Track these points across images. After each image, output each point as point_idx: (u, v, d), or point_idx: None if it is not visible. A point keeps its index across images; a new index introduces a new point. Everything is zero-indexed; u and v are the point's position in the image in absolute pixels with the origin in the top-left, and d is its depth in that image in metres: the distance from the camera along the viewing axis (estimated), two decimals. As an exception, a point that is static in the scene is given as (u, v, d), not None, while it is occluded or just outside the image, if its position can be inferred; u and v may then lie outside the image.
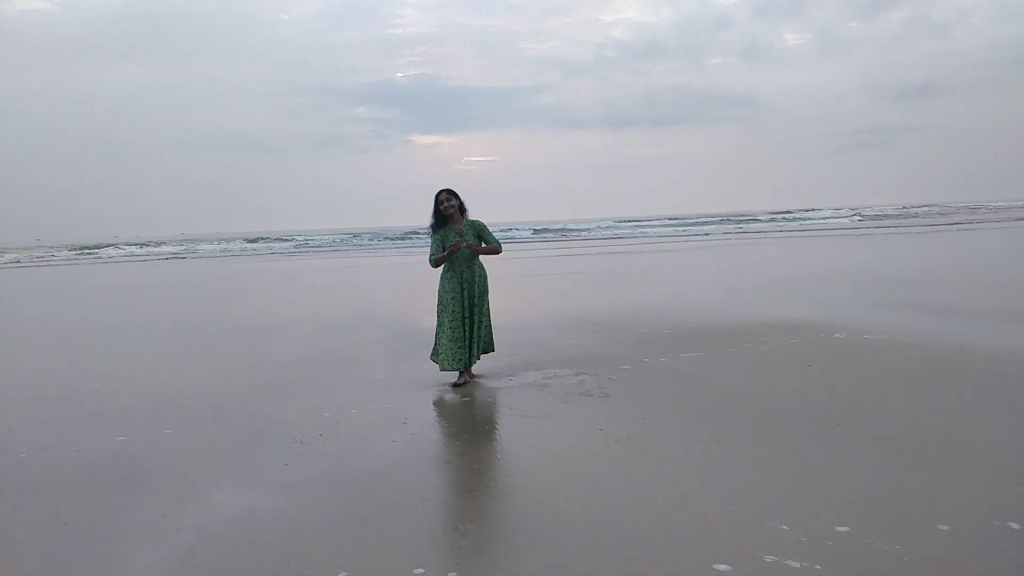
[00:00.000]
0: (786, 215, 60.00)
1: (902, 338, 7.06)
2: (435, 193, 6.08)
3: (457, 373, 6.14)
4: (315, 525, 3.37)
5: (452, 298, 6.02)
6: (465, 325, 6.03)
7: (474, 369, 6.32)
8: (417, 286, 15.14)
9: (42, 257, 38.45)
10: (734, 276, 15.08)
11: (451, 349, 5.96)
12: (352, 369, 6.87)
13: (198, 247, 45.61)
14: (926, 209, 62.03)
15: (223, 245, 46.83)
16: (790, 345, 6.99)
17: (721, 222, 54.14)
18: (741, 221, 54.28)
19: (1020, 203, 67.43)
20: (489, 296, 6.25)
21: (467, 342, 6.04)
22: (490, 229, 6.21)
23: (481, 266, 6.20)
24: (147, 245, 47.68)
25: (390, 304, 12.56)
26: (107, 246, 47.19)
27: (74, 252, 41.27)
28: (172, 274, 24.38)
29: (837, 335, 7.35)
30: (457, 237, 5.99)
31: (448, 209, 6.03)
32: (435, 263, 6.09)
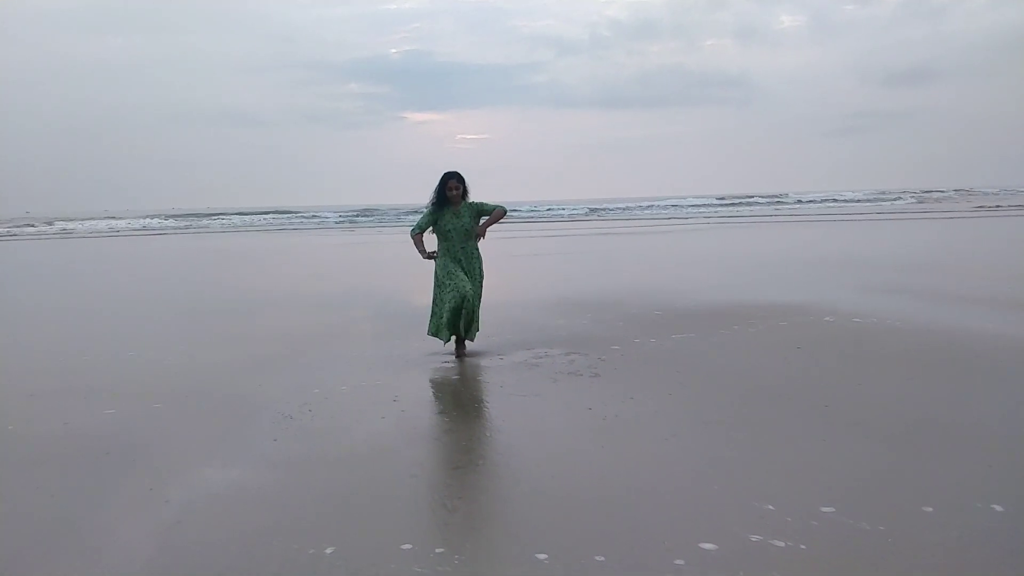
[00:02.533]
0: (782, 199, 59.96)
1: (890, 322, 7.09)
2: (443, 174, 6.16)
3: (454, 344, 6.29)
4: (303, 501, 3.37)
5: (450, 279, 6.07)
6: (459, 300, 6.00)
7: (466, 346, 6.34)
8: (407, 265, 15.08)
9: (32, 229, 38.11)
10: (725, 258, 15.10)
11: (451, 319, 6.03)
12: (342, 346, 6.86)
13: (187, 222, 45.25)
14: (918, 195, 62.04)
15: (213, 220, 46.52)
16: (779, 328, 7.02)
17: (718, 204, 53.93)
18: (738, 203, 54.18)
19: (1014, 189, 67.57)
20: (483, 281, 6.34)
21: (459, 317, 6.06)
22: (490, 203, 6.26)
23: (476, 248, 6.26)
24: (136, 219, 47.27)
25: (380, 282, 12.52)
26: (94, 219, 46.81)
27: (61, 225, 40.88)
28: (161, 249, 24.23)
29: (827, 318, 7.38)
30: (453, 219, 6.12)
31: (455, 198, 6.12)
32: (413, 239, 6.20)
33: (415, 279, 12.25)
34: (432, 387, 5.40)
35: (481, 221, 6.23)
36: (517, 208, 49.90)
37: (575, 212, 48.42)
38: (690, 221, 34.40)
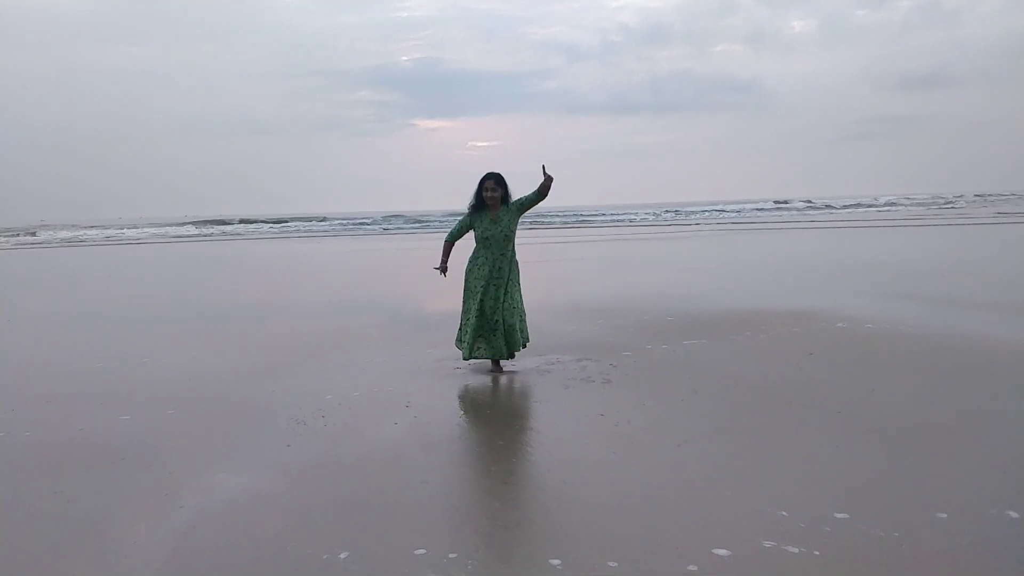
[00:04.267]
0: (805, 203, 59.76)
1: (904, 328, 7.06)
2: (482, 176, 5.79)
3: (492, 360, 5.94)
4: (316, 506, 3.39)
5: (480, 285, 5.74)
6: (493, 314, 5.72)
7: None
8: (418, 271, 15.14)
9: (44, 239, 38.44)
10: (738, 264, 15.06)
11: (474, 338, 5.75)
12: (354, 352, 6.88)
13: (199, 229, 45.48)
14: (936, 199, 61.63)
15: (224, 227, 46.74)
16: (792, 334, 6.99)
17: (726, 211, 53.73)
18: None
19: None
20: (520, 286, 5.92)
21: (497, 332, 5.73)
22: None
23: (514, 252, 5.86)
24: (151, 226, 47.58)
25: (391, 288, 12.56)
26: (113, 227, 47.20)
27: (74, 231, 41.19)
28: (174, 256, 24.38)
29: (839, 324, 7.35)
30: (492, 225, 5.73)
31: (491, 199, 5.73)
32: (444, 244, 5.91)
33: (426, 285, 12.28)
34: (444, 393, 5.41)
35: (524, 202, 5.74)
36: (535, 217, 49.53)
37: (585, 217, 48.31)
38: (702, 226, 34.34)
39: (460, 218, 5.94)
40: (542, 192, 5.72)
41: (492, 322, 5.76)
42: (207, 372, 6.30)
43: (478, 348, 5.81)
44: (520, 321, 5.90)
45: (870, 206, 53.87)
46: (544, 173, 5.62)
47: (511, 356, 5.85)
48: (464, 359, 5.86)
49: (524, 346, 5.96)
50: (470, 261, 5.88)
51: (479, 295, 5.73)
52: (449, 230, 5.96)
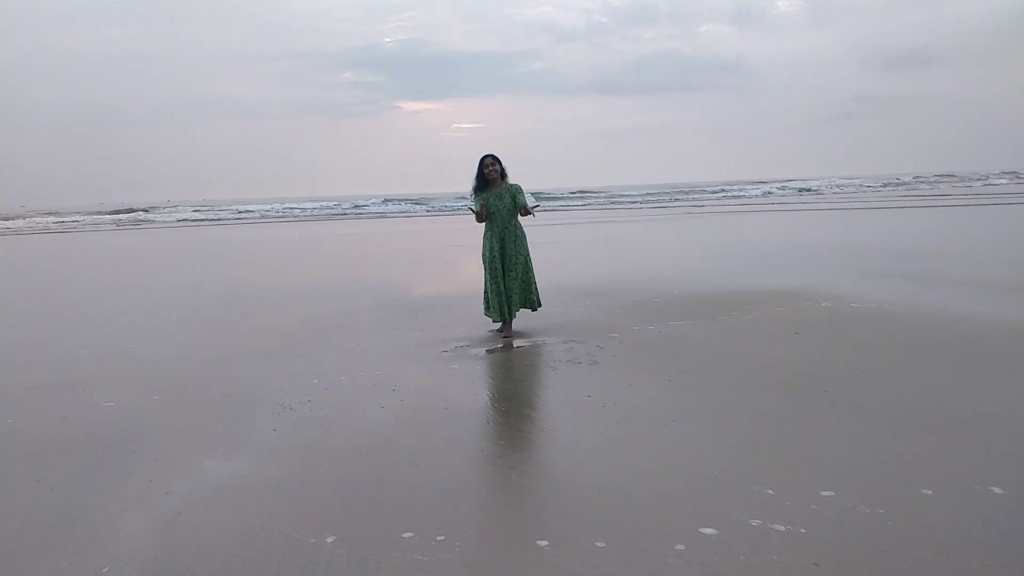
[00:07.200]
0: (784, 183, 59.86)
1: (888, 307, 7.10)
2: (480, 157, 6.45)
3: (501, 323, 6.62)
4: (304, 490, 3.38)
5: (491, 256, 6.49)
6: (502, 280, 6.47)
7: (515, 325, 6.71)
8: (405, 255, 15.07)
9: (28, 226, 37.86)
10: (723, 245, 15.10)
11: (496, 303, 6.48)
12: (340, 336, 6.85)
13: (185, 214, 45.04)
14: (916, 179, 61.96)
15: (210, 212, 46.33)
16: (777, 314, 7.02)
17: (716, 192, 53.73)
18: (735, 191, 54.03)
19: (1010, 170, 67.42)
20: (529, 253, 6.65)
21: (505, 296, 6.47)
22: (526, 192, 6.52)
23: (518, 226, 6.55)
24: (132, 211, 47.03)
25: (378, 272, 12.50)
26: (94, 213, 46.67)
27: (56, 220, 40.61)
28: (157, 241, 24.16)
29: (824, 304, 7.39)
30: (496, 200, 6.43)
31: (491, 173, 6.39)
32: (477, 219, 6.51)
33: (413, 269, 12.25)
34: (431, 376, 5.40)
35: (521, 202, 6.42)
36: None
37: (573, 199, 48.25)
38: (689, 208, 34.39)
39: (473, 201, 6.54)
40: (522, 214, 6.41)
41: (502, 287, 6.46)
42: (192, 358, 6.26)
43: (498, 312, 6.47)
44: (525, 291, 6.62)
45: (883, 186, 53.79)
46: (528, 211, 6.33)
47: (527, 308, 6.70)
48: (493, 322, 6.74)
49: (535, 308, 6.74)
50: (483, 237, 6.62)
51: (489, 265, 6.49)
52: (474, 211, 6.50)
